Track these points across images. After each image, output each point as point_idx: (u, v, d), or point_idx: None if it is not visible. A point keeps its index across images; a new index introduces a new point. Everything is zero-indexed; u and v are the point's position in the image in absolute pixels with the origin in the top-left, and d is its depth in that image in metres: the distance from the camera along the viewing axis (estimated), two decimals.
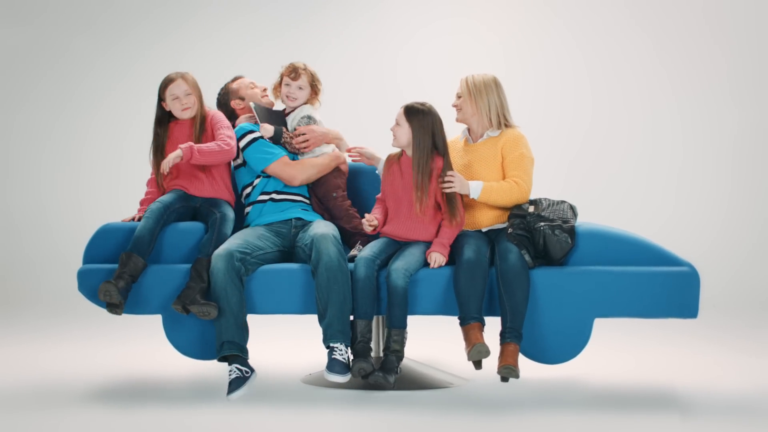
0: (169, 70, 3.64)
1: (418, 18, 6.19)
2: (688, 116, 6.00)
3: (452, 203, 3.28)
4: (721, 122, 5.96)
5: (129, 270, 3.17)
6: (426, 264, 3.28)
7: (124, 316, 3.35)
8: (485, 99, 3.47)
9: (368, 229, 3.32)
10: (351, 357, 3.18)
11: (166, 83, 3.49)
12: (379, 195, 3.48)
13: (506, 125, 3.50)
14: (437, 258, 3.23)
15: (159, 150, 3.48)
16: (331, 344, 3.14)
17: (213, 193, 3.49)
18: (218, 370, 3.36)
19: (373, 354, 3.31)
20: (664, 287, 3.25)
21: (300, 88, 3.57)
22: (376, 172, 3.58)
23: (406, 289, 3.13)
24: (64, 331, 4.82)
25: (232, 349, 3.16)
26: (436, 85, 5.07)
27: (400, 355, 3.15)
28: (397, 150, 3.46)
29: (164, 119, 3.53)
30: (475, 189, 3.33)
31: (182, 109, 3.46)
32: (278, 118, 3.60)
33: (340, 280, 3.15)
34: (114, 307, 3.14)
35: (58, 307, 5.41)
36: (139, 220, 3.43)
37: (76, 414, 3.02)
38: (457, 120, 3.55)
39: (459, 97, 3.52)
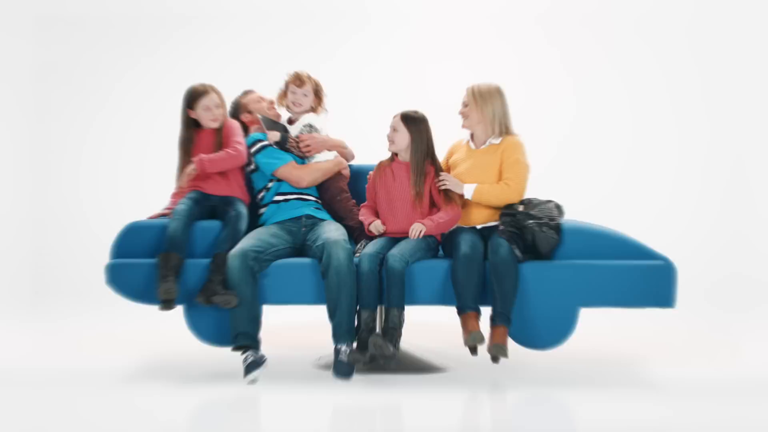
0: (187, 83, 3.89)
1: (422, 44, 6.55)
2: (673, 126, 6.40)
3: (449, 196, 3.62)
4: (695, 134, 6.35)
5: (173, 268, 3.46)
6: (421, 253, 3.57)
7: (144, 305, 3.64)
8: (490, 107, 3.72)
9: (378, 233, 3.63)
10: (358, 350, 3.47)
11: (198, 94, 3.76)
12: (364, 203, 3.78)
13: (507, 133, 3.76)
14: (417, 227, 3.54)
15: (187, 155, 3.76)
16: (338, 345, 3.44)
17: (228, 192, 3.77)
18: (234, 355, 3.65)
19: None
20: (642, 279, 3.54)
21: (305, 95, 3.84)
22: None
23: (403, 272, 3.41)
24: (92, 320, 5.12)
25: (245, 339, 3.47)
26: (431, 100, 5.39)
27: (399, 331, 3.43)
28: (387, 157, 3.77)
29: (191, 126, 3.81)
30: (468, 190, 3.61)
31: (212, 119, 3.75)
32: (283, 129, 3.85)
33: (349, 283, 3.43)
34: (169, 303, 3.43)
35: (86, 298, 5.72)
36: (165, 216, 3.68)
37: (103, 395, 3.33)
38: (463, 126, 3.81)
39: (465, 105, 3.76)
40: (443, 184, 3.59)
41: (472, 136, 3.81)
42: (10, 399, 3.29)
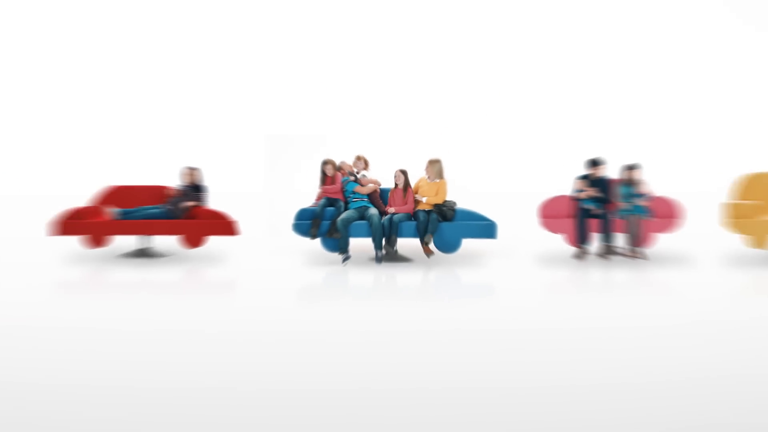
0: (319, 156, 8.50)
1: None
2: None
3: (414, 202, 8.19)
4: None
5: (317, 224, 8.70)
6: (405, 218, 8.10)
7: (305, 238, 8.19)
8: (435, 168, 8.80)
9: (391, 212, 8.16)
10: (383, 251, 8.02)
11: (325, 163, 9.02)
12: (387, 206, 8.65)
13: (441, 177, 8.71)
14: (391, 210, 8.67)
15: (323, 184, 8.44)
16: (376, 251, 8.09)
17: (337, 197, 8.61)
18: (339, 257, 8.19)
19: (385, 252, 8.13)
20: (483, 228, 8.66)
21: (361, 164, 8.66)
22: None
23: (398, 224, 8.60)
24: (287, 243, 10.18)
25: (343, 250, 8.56)
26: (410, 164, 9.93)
27: (395, 243, 8.52)
28: (389, 186, 8.37)
29: (324, 174, 8.43)
30: (425, 198, 8.18)
31: (329, 175, 8.48)
32: (354, 176, 8.51)
33: (379, 229, 8.32)
34: (314, 237, 8.33)
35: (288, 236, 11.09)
36: (315, 206, 8.23)
37: (284, 272, 7.85)
38: (426, 174, 8.87)
39: (426, 168, 8.85)
40: (416, 198, 8.06)
41: (428, 177, 8.79)
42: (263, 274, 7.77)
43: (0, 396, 3.97)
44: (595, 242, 9.10)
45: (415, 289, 6.84)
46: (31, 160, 13.16)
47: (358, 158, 8.82)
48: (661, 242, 9.65)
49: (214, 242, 9.88)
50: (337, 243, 8.14)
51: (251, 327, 5.34)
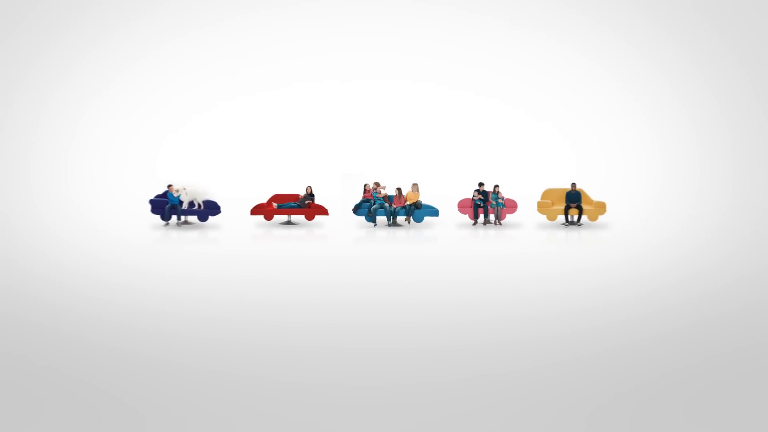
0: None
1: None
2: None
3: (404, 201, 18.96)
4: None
5: (359, 209, 18.68)
6: (399, 208, 18.67)
7: (354, 218, 18.92)
8: (416, 187, 20.42)
9: (394, 206, 18.77)
10: (390, 222, 18.69)
11: (365, 184, 19.16)
12: (392, 204, 19.25)
13: (417, 191, 20.01)
14: (395, 205, 19.18)
15: (364, 192, 18.84)
16: (388, 223, 19.13)
17: (369, 198, 18.85)
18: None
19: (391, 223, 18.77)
20: (433, 211, 20.25)
21: (377, 186, 19.17)
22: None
23: (397, 211, 19.00)
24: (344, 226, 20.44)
25: (374, 222, 19.32)
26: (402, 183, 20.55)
27: (395, 219, 18.96)
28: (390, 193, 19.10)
29: (365, 189, 18.91)
30: (409, 202, 18.66)
31: (368, 189, 19.07)
32: (374, 189, 19.02)
33: (389, 213, 19.91)
34: (356, 213, 18.70)
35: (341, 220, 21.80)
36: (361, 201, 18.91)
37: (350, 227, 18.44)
38: (411, 189, 19.52)
39: (411, 186, 19.91)
40: (407, 202, 18.72)
41: (412, 190, 19.51)
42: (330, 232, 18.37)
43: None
44: (480, 218, 20.14)
45: (404, 237, 17.81)
46: (246, 178, 23.89)
47: (376, 183, 19.71)
48: (509, 218, 20.70)
49: (318, 219, 20.97)
50: (371, 218, 19.14)
51: (334, 252, 15.84)
